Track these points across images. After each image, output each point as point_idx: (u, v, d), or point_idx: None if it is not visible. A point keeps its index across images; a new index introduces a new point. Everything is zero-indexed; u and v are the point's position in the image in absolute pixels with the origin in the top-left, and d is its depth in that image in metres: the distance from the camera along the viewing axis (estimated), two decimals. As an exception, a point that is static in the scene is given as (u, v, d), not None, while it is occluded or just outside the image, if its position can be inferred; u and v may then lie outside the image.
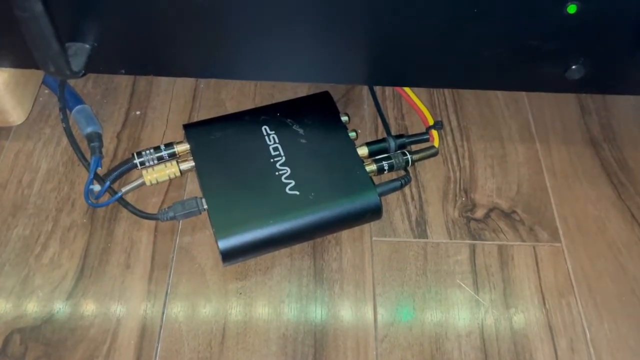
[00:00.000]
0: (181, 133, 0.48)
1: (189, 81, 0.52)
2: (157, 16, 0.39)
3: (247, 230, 0.40)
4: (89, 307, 0.39)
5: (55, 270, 0.41)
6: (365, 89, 0.52)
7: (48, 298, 0.39)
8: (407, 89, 0.51)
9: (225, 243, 0.39)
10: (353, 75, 0.46)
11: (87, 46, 0.40)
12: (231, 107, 0.50)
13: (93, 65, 0.41)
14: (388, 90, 0.52)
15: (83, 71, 0.39)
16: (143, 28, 0.40)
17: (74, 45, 0.39)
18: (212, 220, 0.40)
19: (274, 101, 0.50)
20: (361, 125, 0.50)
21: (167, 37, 0.41)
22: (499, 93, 0.52)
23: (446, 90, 0.53)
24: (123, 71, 0.43)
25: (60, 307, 0.39)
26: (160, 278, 0.41)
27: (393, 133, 0.48)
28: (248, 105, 0.50)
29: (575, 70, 0.41)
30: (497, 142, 0.49)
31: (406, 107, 0.51)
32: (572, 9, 0.37)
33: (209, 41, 0.41)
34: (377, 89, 0.52)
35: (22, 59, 0.42)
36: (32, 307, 0.39)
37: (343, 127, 0.45)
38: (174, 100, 0.51)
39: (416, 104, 0.50)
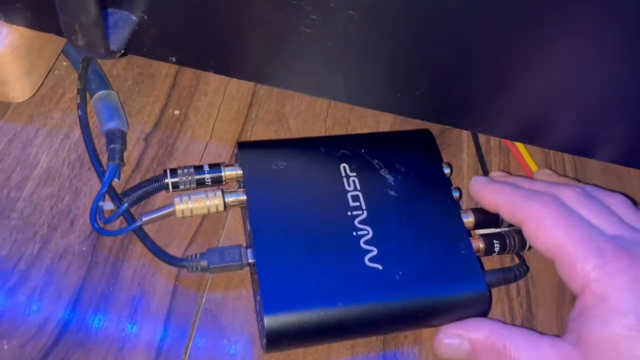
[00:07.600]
0: (229, 150, 0.37)
1: (247, 83, 0.41)
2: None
3: (306, 308, 0.28)
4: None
5: (30, 317, 0.29)
6: (465, 132, 0.41)
7: None
8: (519, 144, 0.40)
9: (274, 320, 0.28)
10: (458, 117, 0.36)
11: (134, 18, 0.29)
12: (295, 127, 0.39)
13: (136, 45, 0.30)
14: (493, 139, 0.41)
15: (122, 50, 0.28)
16: (213, 5, 0.29)
17: (117, 14, 0.28)
18: (261, 286, 0.29)
19: (349, 128, 0.39)
20: (457, 180, 0.38)
21: (241, 27, 0.30)
22: (632, 169, 0.41)
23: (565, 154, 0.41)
24: (173, 59, 0.31)
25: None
26: (173, 351, 0.29)
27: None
28: (317, 127, 0.39)
29: None
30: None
31: (514, 164, 0.40)
32: None
33: (292, 41, 0.30)
34: (481, 136, 0.41)
35: (43, 19, 0.31)
36: (-11, 367, 0.28)
37: (446, 182, 0.34)
38: (225, 103, 0.39)
39: (529, 165, 0.39)
